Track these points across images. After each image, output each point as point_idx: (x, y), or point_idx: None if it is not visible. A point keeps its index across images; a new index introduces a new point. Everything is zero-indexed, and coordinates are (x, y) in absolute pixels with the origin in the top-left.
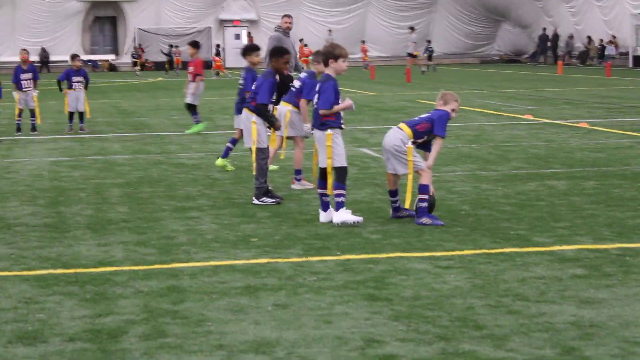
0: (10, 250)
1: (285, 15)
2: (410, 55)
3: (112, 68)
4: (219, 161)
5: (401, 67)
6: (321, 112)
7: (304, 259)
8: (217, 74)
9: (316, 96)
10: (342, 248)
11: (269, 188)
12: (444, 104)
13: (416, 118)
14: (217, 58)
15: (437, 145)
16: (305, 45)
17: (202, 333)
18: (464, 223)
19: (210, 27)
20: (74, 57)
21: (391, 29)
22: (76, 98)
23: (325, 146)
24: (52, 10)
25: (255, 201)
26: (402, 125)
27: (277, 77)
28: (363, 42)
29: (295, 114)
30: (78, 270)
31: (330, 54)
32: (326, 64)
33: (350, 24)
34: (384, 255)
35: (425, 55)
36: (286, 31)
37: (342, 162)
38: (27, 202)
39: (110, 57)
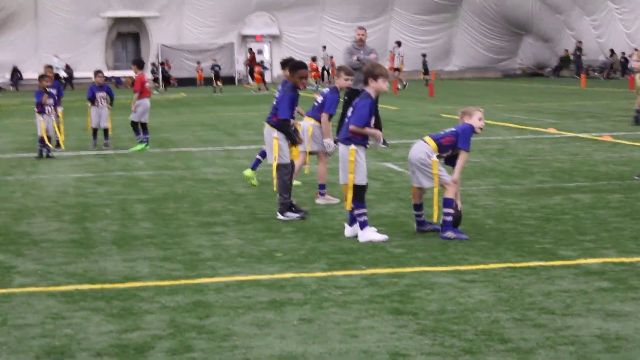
0: (37, 266)
1: (358, 28)
2: (396, 69)
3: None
4: (248, 172)
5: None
6: (352, 127)
7: (329, 273)
8: (259, 89)
9: (350, 110)
10: (367, 262)
11: (293, 203)
12: (468, 118)
13: (441, 132)
14: (258, 76)
15: (461, 159)
16: (314, 59)
17: (228, 348)
18: (488, 237)
19: (232, 43)
20: (97, 73)
21: (413, 43)
22: (99, 114)
23: (348, 161)
24: (75, 26)
25: (280, 216)
26: (427, 138)
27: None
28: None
29: (317, 129)
30: (104, 286)
31: (371, 73)
32: (366, 83)
33: (372, 38)
34: (409, 270)
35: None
36: (359, 43)
37: (362, 180)
38: (53, 218)
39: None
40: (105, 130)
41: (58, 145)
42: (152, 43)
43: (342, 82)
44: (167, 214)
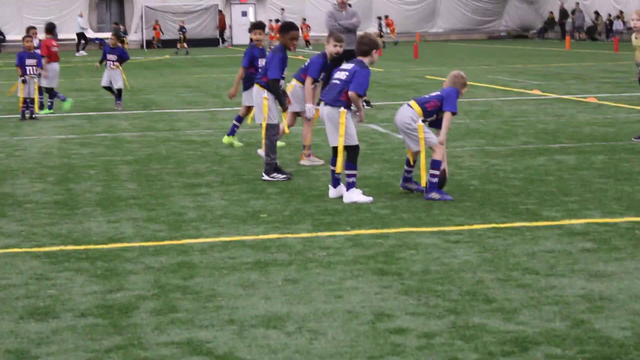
0: (20, 227)
1: None
2: None
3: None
4: (225, 139)
5: (409, 43)
6: (352, 94)
7: (314, 234)
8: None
9: (344, 74)
10: (352, 223)
11: (278, 164)
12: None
13: (426, 96)
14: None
15: (446, 120)
16: (277, 21)
17: (212, 308)
18: (473, 198)
19: (217, 4)
20: (113, 34)
21: (398, 5)
22: (109, 75)
23: (338, 124)
24: None
25: (265, 177)
26: (412, 102)
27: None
28: (386, 17)
29: (299, 89)
30: (88, 247)
31: (376, 45)
32: (368, 54)
33: (355, 0)
34: (393, 230)
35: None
36: (341, 6)
37: (354, 140)
38: (37, 179)
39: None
40: (119, 91)
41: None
42: (136, 4)
43: (332, 48)
44: (151, 175)
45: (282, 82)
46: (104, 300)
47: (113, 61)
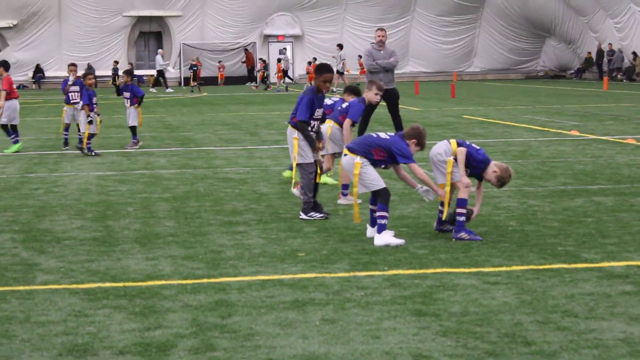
0: (59, 263)
1: (378, 29)
2: (339, 72)
3: (157, 83)
4: (286, 173)
5: (446, 82)
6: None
7: (351, 273)
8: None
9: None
10: (389, 263)
11: (317, 202)
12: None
13: (473, 145)
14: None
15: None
16: (315, 60)
17: (250, 347)
18: (511, 239)
19: (254, 42)
20: (126, 72)
21: (435, 44)
22: (127, 113)
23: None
24: (98, 25)
25: (303, 216)
26: (452, 140)
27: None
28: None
29: (337, 130)
30: (127, 284)
31: (420, 137)
32: (411, 139)
33: (394, 39)
34: (431, 271)
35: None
36: (379, 44)
37: (380, 184)
38: (75, 216)
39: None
40: (131, 128)
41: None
42: (174, 42)
43: (372, 96)
44: (189, 212)
45: (314, 123)
46: (142, 338)
47: (127, 99)
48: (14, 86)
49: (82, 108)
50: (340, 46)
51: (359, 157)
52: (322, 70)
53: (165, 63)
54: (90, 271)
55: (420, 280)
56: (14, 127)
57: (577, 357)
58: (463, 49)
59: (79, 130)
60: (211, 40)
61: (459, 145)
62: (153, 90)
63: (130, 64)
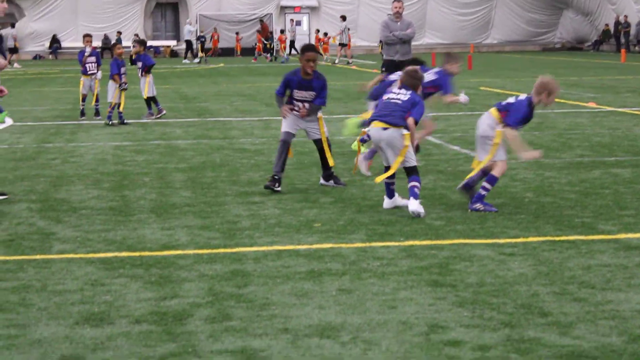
0: (76, 233)
1: (395, 0)
2: (341, 44)
3: (174, 54)
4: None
5: (462, 54)
6: (411, 122)
7: (368, 244)
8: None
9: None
10: (405, 234)
11: (334, 174)
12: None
13: (503, 102)
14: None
15: (509, 137)
16: (282, 32)
17: (266, 317)
18: (527, 210)
19: (271, 14)
20: (139, 41)
21: (452, 16)
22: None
23: (403, 146)
24: None
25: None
26: (492, 110)
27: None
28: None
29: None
30: (143, 254)
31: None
32: (418, 88)
33: (411, 11)
34: (448, 242)
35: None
36: (396, 16)
37: (416, 161)
38: (92, 185)
39: (172, 43)
40: (146, 100)
41: (97, 113)
42: (191, 13)
43: (456, 69)
44: (205, 182)
45: (299, 104)
46: (158, 307)
47: (140, 69)
48: None
49: (112, 78)
50: (344, 17)
51: (403, 128)
52: (304, 49)
53: (196, 30)
54: (107, 240)
55: (436, 251)
56: None
57: (594, 329)
58: (480, 20)
59: (96, 101)
60: (227, 11)
61: (499, 111)
62: (186, 61)
63: (136, 35)
